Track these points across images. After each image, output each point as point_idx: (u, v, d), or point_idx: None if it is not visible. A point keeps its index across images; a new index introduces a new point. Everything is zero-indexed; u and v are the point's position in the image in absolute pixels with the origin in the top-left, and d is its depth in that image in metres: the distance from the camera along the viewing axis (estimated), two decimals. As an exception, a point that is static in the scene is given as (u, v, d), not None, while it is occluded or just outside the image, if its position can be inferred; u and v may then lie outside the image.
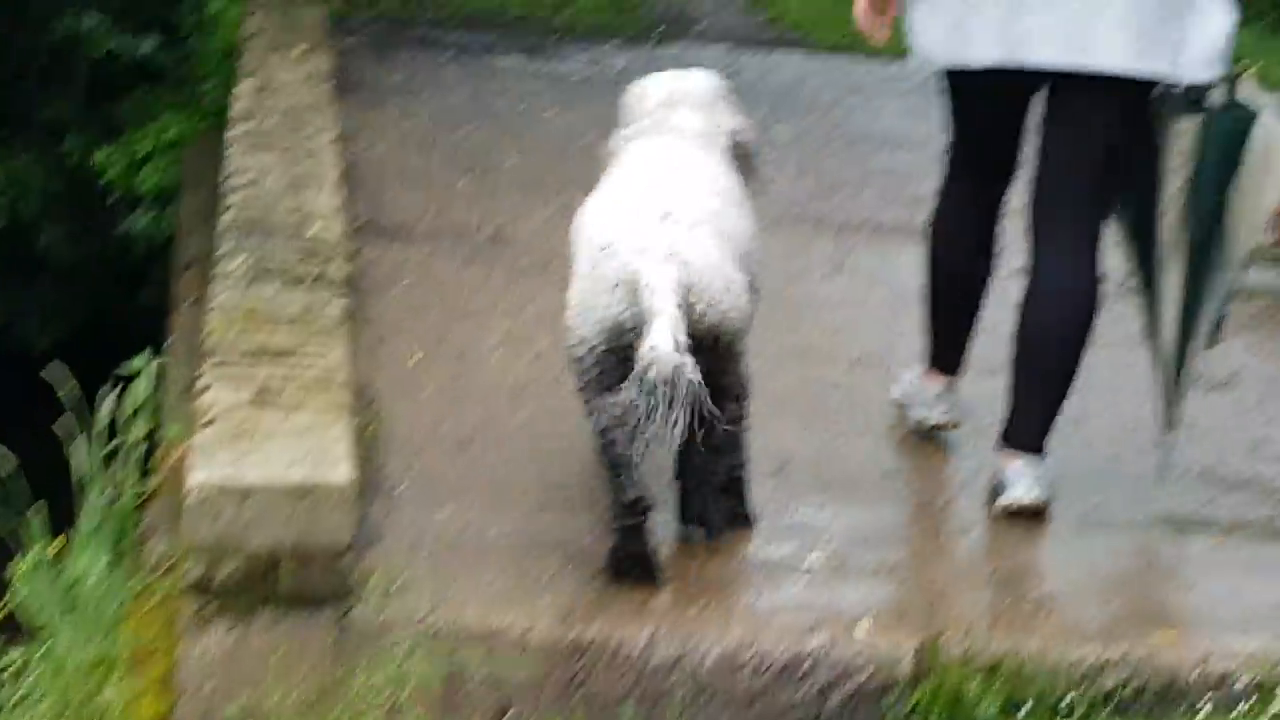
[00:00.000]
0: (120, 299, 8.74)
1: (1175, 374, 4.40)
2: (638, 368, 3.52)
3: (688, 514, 4.03)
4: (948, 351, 4.67)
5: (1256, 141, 4.23)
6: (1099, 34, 4.15)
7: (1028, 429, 4.31)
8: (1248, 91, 4.28)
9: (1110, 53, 4.16)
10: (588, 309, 3.80)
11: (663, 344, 3.53)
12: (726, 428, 3.78)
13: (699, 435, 3.58)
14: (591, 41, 9.82)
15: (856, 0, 4.48)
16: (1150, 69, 4.19)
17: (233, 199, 5.18)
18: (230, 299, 4.46)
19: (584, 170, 6.70)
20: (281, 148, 5.60)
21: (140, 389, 4.57)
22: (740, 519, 4.07)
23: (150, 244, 7.80)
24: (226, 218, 5.03)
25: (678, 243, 3.76)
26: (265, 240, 4.85)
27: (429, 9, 10.35)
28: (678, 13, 11.98)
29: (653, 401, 3.50)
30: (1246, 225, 4.28)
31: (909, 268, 5.95)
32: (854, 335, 5.35)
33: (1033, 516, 4.25)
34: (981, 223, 4.57)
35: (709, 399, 3.51)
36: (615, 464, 3.74)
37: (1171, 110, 4.27)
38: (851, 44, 10.99)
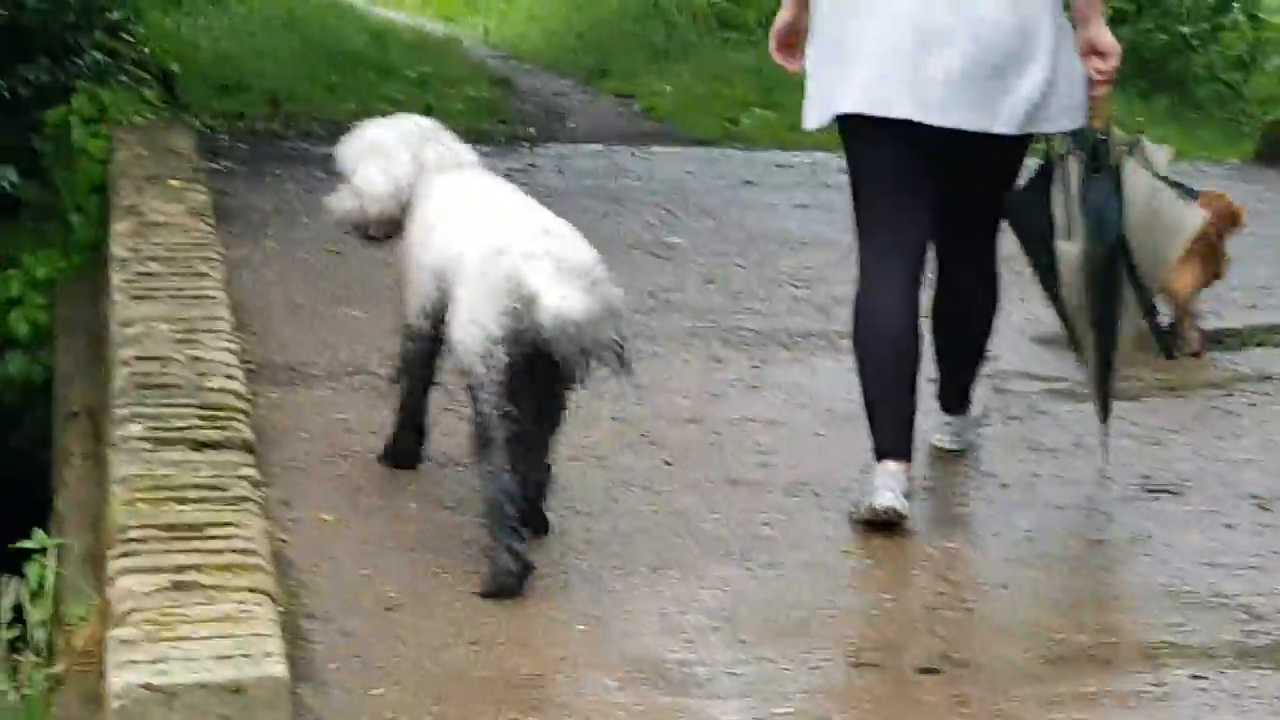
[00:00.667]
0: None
1: (1102, 384, 4.93)
2: (550, 320, 4.05)
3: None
4: (896, 439, 4.73)
5: (1136, 195, 4.72)
6: (946, 95, 4.58)
7: (957, 397, 5.11)
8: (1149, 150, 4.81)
9: (956, 113, 4.60)
10: (485, 301, 4.20)
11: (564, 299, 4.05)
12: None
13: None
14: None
15: (771, 36, 4.93)
16: (1018, 128, 4.64)
17: (123, 353, 4.89)
18: (132, 469, 4.17)
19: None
20: (169, 293, 5.31)
21: (40, 571, 4.26)
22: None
23: (25, 387, 7.44)
24: (120, 376, 4.73)
25: (563, 249, 4.27)
26: (163, 400, 4.56)
27: (297, 121, 10.10)
28: (546, 111, 11.82)
29: (568, 340, 4.03)
30: (1149, 266, 4.78)
31: (829, 379, 5.78)
32: (783, 459, 5.12)
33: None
34: (901, 297, 4.74)
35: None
36: (497, 451, 4.18)
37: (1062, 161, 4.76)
38: (728, 133, 10.91)
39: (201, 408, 4.53)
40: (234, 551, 3.78)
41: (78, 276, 7.12)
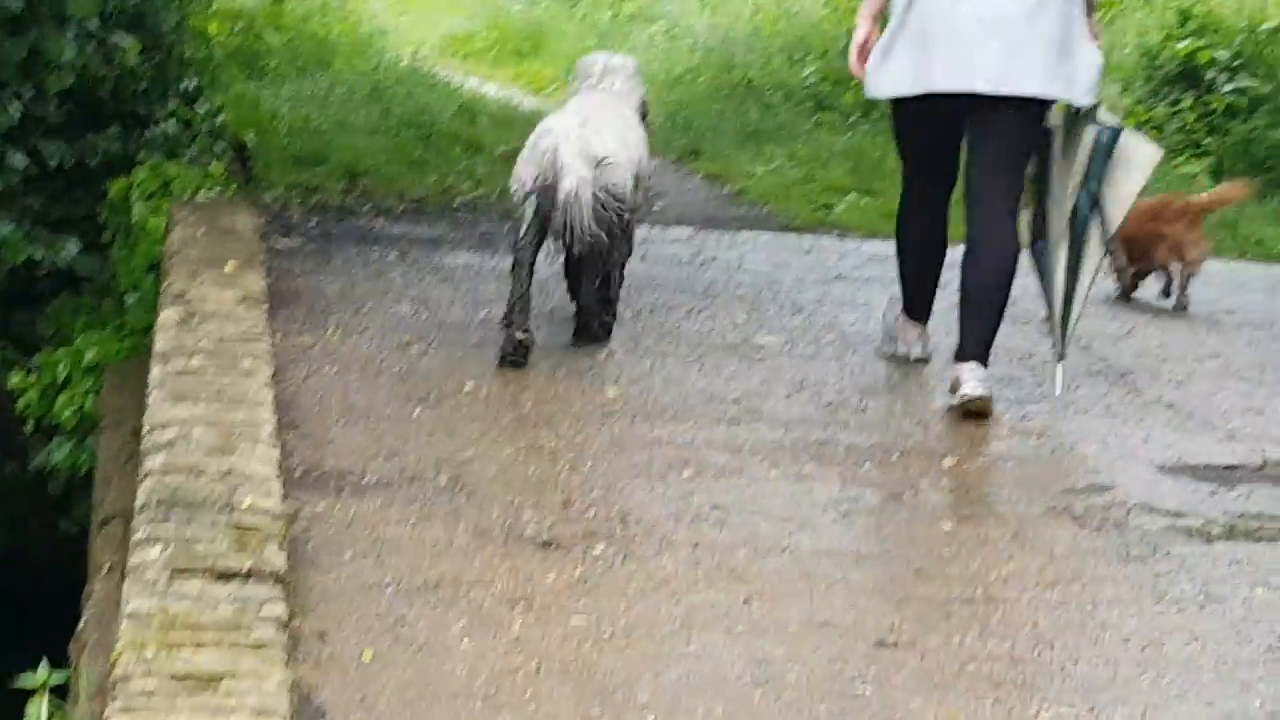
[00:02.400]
0: (41, 529, 7.96)
1: (1062, 326, 6.26)
2: (557, 193, 6.06)
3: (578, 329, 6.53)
4: (920, 308, 6.53)
5: (1120, 150, 6.08)
6: (1020, 68, 5.89)
7: (976, 346, 6.01)
8: (1103, 113, 6.19)
9: (1029, 81, 5.92)
10: (527, 165, 6.18)
11: (570, 178, 6.03)
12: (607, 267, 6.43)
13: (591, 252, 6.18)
14: (548, 229, 9.16)
15: (852, 51, 6.26)
16: (1054, 93, 6.00)
17: (152, 462, 4.44)
18: (145, 604, 3.71)
19: (550, 391, 6.04)
20: (209, 394, 4.87)
21: (38, 712, 3.81)
22: (605, 328, 6.58)
23: (71, 475, 7.04)
24: (145, 488, 4.29)
25: (588, 136, 6.15)
26: (189, 519, 4.10)
27: (374, 197, 9.69)
28: (637, 191, 11.34)
29: (567, 209, 6.01)
30: (1113, 210, 6.12)
31: (928, 503, 5.27)
32: (876, 602, 4.60)
33: (980, 414, 5.98)
34: (935, 218, 6.33)
35: (599, 211, 6.07)
36: (518, 265, 6.17)
37: (1068, 125, 6.14)
38: (822, 220, 10.41)
39: (231, 529, 4.07)
40: (251, 711, 3.31)
41: (129, 362, 6.72)
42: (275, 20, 13.31)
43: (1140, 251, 7.89)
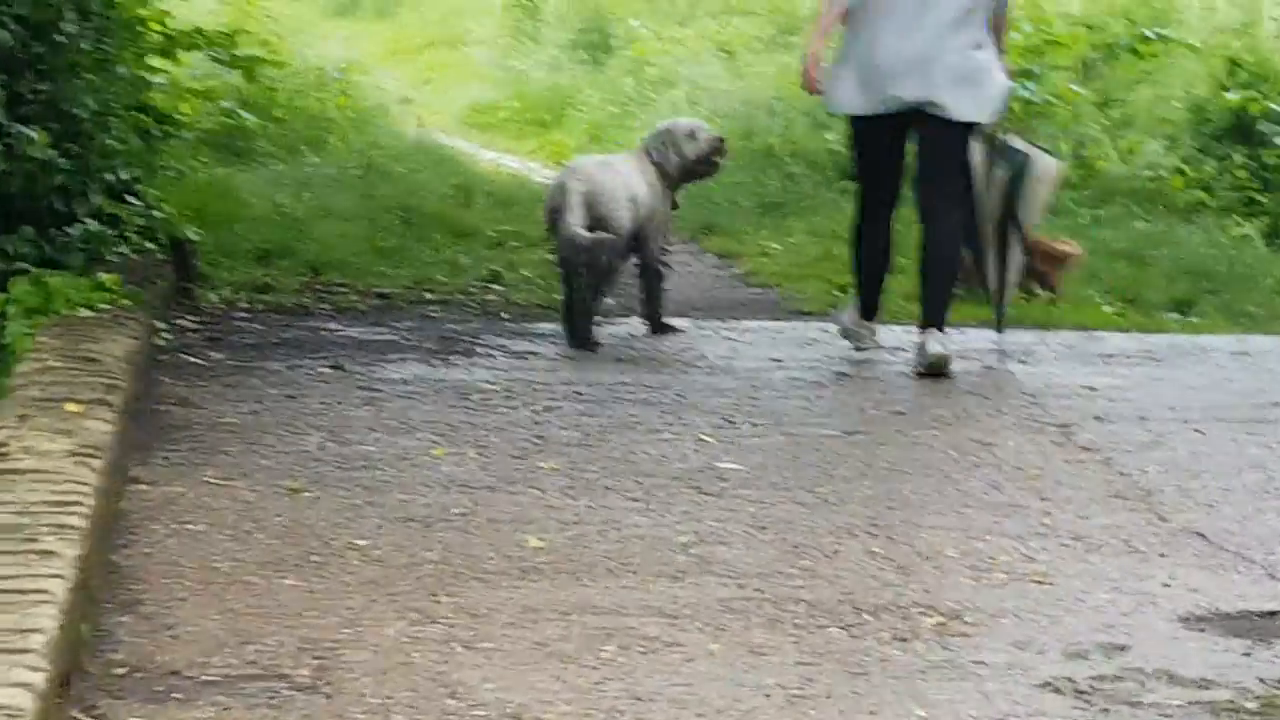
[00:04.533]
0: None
1: (998, 310, 8.04)
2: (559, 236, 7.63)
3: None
4: (872, 306, 7.79)
5: (1032, 171, 7.73)
6: (947, 93, 7.29)
7: (935, 315, 7.35)
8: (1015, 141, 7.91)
9: (955, 107, 7.34)
10: (549, 203, 7.66)
11: (568, 224, 7.49)
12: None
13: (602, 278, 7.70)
14: (520, 326, 8.22)
15: (808, 65, 7.60)
16: (971, 116, 7.41)
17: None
18: None
19: (460, 543, 5.09)
20: (-14, 583, 3.92)
21: None
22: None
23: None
24: None
25: (593, 176, 7.61)
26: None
27: (334, 295, 8.78)
28: (636, 276, 10.36)
29: (566, 253, 7.57)
30: (1028, 218, 7.78)
31: (899, 685, 4.26)
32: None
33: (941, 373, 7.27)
34: (883, 229, 7.68)
35: (597, 251, 7.55)
36: (566, 282, 7.68)
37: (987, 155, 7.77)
38: (835, 302, 9.42)
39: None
40: None
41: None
42: (256, 98, 12.44)
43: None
